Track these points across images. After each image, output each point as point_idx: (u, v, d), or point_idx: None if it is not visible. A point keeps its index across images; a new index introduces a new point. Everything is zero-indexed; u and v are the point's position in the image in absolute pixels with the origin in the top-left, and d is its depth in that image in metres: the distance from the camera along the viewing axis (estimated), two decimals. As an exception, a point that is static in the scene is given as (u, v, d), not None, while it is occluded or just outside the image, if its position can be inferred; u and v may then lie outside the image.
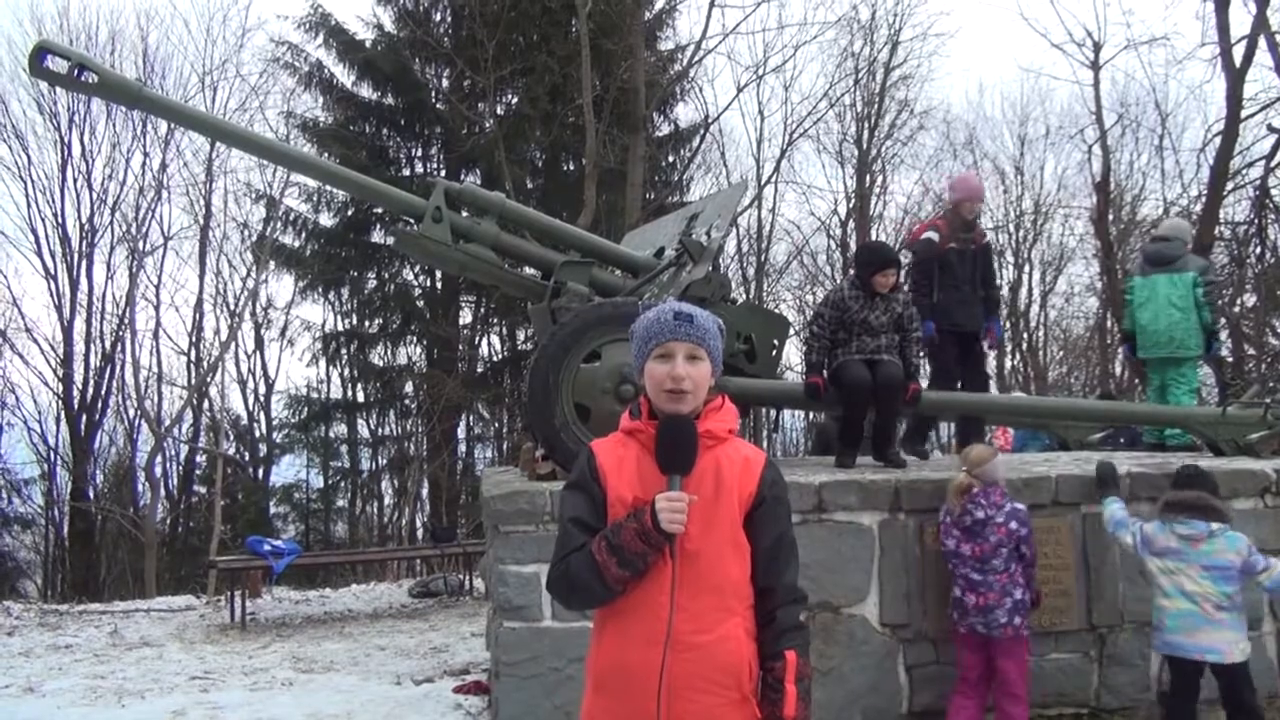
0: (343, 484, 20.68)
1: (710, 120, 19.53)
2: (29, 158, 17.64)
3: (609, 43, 15.10)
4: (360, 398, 19.80)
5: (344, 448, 20.30)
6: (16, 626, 8.99)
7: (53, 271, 17.87)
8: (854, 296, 5.31)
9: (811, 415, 15.63)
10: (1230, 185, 14.11)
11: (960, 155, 22.05)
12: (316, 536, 19.68)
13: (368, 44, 18.07)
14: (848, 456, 5.37)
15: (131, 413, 18.33)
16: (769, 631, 2.12)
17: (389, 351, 19.48)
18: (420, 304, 19.00)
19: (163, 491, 17.92)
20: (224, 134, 6.63)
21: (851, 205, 21.12)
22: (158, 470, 17.39)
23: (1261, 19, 13.04)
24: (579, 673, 3.23)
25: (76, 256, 17.95)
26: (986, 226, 6.83)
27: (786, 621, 2.12)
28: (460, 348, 18.67)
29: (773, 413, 7.21)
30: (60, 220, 17.91)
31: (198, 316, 18.70)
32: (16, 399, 18.67)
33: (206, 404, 18.85)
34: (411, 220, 5.64)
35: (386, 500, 20.32)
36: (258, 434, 20.71)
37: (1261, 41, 13.21)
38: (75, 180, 17.89)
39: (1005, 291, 19.76)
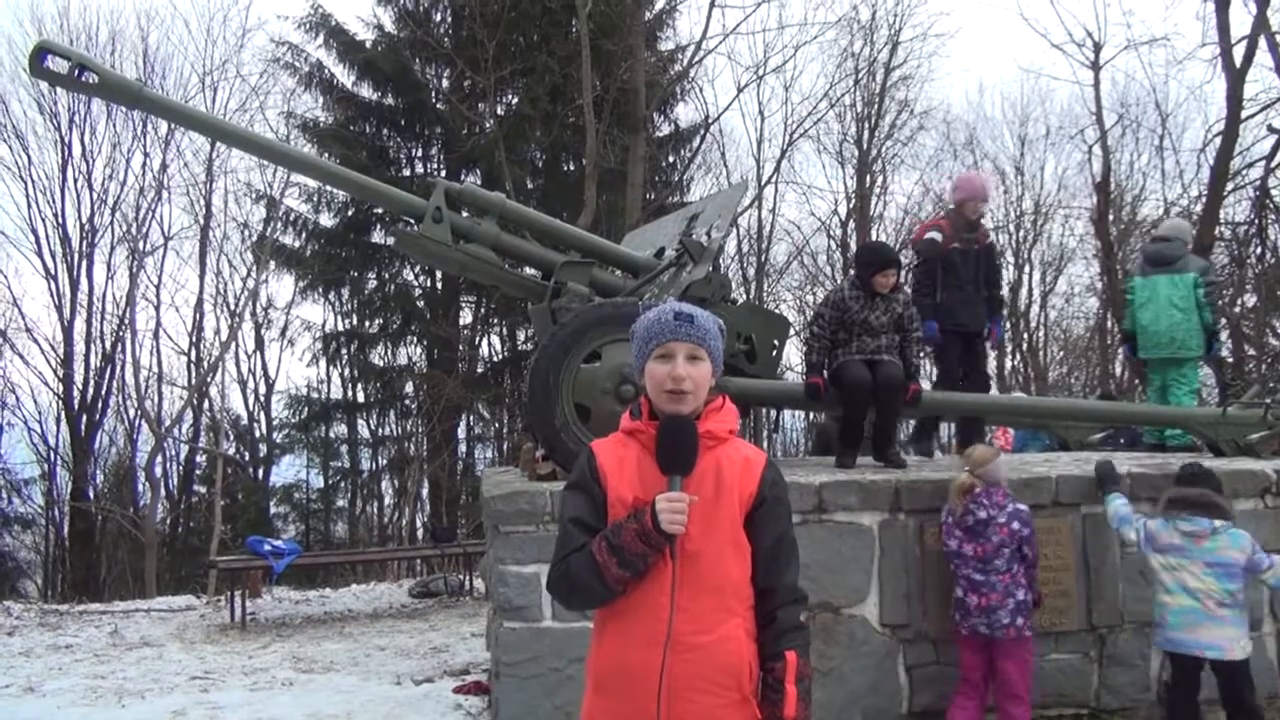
0: (343, 484, 20.69)
1: (710, 120, 19.54)
2: (29, 158, 17.70)
3: (609, 43, 15.10)
4: (360, 398, 19.80)
5: (344, 448, 20.31)
6: (17, 626, 8.99)
7: (53, 271, 17.91)
8: (854, 297, 5.32)
9: (811, 415, 15.64)
10: (1230, 185, 14.12)
11: (960, 155, 22.06)
12: (316, 536, 19.68)
13: (368, 44, 18.07)
14: (848, 457, 5.37)
15: (132, 413, 18.38)
16: (769, 632, 2.12)
17: (389, 351, 19.49)
18: (420, 304, 19.00)
19: (163, 491, 17.93)
20: (224, 134, 6.64)
21: (852, 205, 21.13)
22: (158, 470, 17.41)
23: (1261, 19, 13.05)
24: (579, 673, 3.23)
25: (77, 256, 17.98)
26: (987, 227, 6.80)
27: (787, 622, 2.12)
28: (460, 348, 18.68)
29: (773, 413, 7.21)
30: (60, 220, 17.95)
31: (198, 316, 18.74)
32: (17, 399, 18.72)
33: (206, 404, 18.87)
34: (412, 220, 5.65)
35: (386, 500, 20.34)
36: (258, 434, 20.73)
37: (1262, 42, 13.21)
38: (75, 180, 17.93)
39: (1005, 292, 19.75)
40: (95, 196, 17.97)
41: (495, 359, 20.01)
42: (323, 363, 19.58)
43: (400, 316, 18.89)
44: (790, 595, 2.15)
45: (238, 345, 19.46)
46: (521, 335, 18.91)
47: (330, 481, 20.50)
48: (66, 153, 17.78)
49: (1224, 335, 11.23)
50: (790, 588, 2.15)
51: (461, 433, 19.32)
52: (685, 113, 19.88)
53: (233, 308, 18.54)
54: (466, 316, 19.42)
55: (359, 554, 13.37)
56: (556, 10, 16.44)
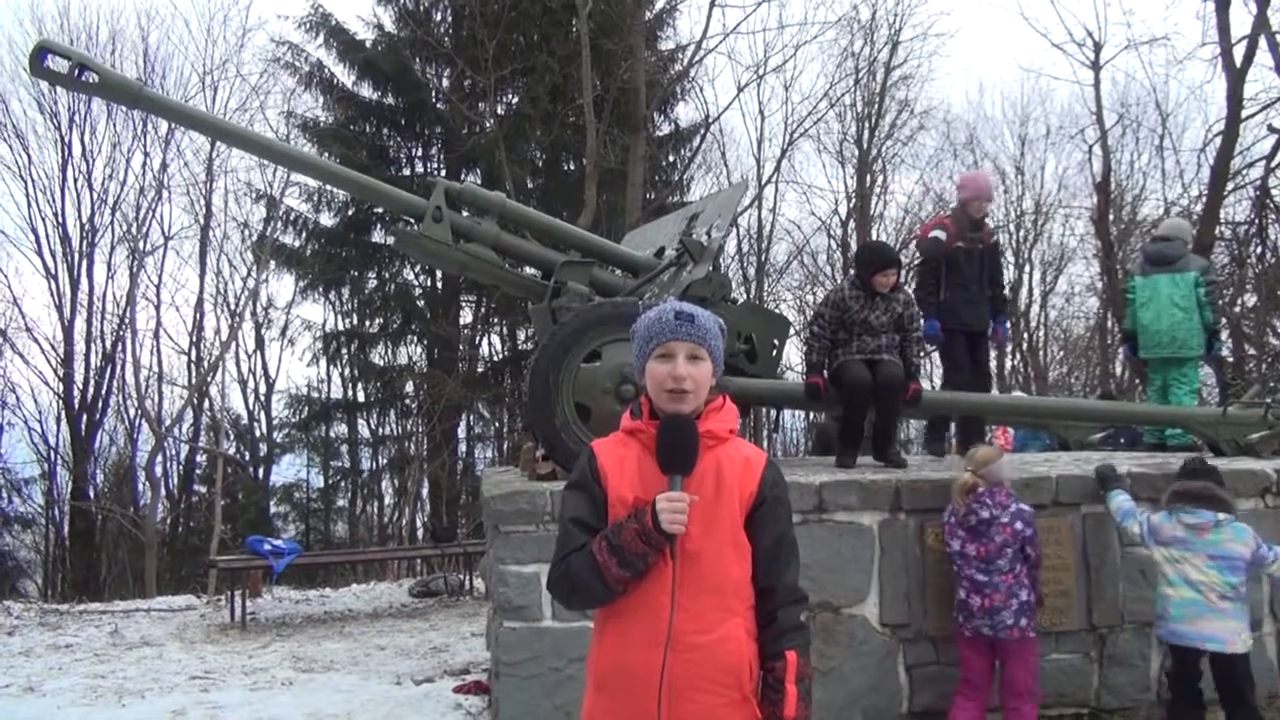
0: (343, 484, 20.69)
1: (711, 120, 19.54)
2: (29, 157, 17.67)
3: (609, 43, 15.09)
4: (360, 397, 19.80)
5: (344, 447, 20.31)
6: (17, 626, 8.99)
7: (53, 271, 17.90)
8: (854, 296, 5.31)
9: (812, 415, 15.64)
10: (1230, 185, 14.12)
11: (960, 155, 22.06)
12: (317, 536, 19.67)
13: (368, 44, 18.07)
14: (848, 456, 5.37)
15: (132, 412, 18.38)
16: (770, 632, 2.12)
17: (389, 351, 19.50)
18: (421, 304, 19.00)
19: (163, 491, 17.93)
20: (224, 134, 6.63)
21: (852, 205, 21.12)
22: (158, 470, 17.41)
23: (1262, 19, 13.05)
24: (579, 673, 3.24)
25: (77, 256, 17.96)
26: (991, 226, 6.78)
27: (787, 622, 2.12)
28: (460, 347, 18.68)
29: (773, 413, 7.21)
30: (61, 220, 17.93)
31: (198, 316, 18.72)
32: (17, 399, 18.70)
33: (207, 404, 18.87)
34: (412, 220, 5.65)
35: (387, 500, 20.34)
36: (258, 434, 20.73)
37: (1262, 41, 13.22)
38: (76, 180, 17.92)
39: (1006, 291, 19.75)
40: (95, 196, 17.99)
41: (495, 358, 20.01)
42: (323, 362, 19.60)
43: (400, 316, 18.89)
44: (790, 595, 2.15)
45: (238, 345, 19.50)
46: (522, 335, 18.91)
47: (330, 481, 20.50)
48: (67, 152, 17.80)
49: (1224, 335, 11.23)
50: (790, 587, 2.15)
51: (461, 432, 19.33)
52: (685, 112, 19.92)
53: (233, 307, 18.57)
54: (467, 316, 19.44)
55: (359, 554, 13.37)
56: (556, 10, 16.44)
